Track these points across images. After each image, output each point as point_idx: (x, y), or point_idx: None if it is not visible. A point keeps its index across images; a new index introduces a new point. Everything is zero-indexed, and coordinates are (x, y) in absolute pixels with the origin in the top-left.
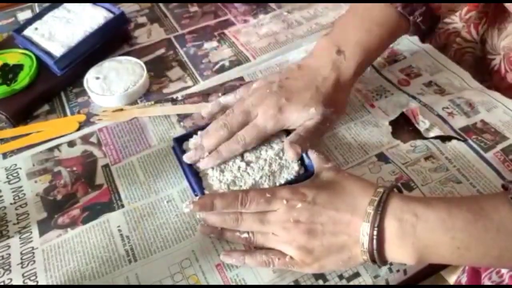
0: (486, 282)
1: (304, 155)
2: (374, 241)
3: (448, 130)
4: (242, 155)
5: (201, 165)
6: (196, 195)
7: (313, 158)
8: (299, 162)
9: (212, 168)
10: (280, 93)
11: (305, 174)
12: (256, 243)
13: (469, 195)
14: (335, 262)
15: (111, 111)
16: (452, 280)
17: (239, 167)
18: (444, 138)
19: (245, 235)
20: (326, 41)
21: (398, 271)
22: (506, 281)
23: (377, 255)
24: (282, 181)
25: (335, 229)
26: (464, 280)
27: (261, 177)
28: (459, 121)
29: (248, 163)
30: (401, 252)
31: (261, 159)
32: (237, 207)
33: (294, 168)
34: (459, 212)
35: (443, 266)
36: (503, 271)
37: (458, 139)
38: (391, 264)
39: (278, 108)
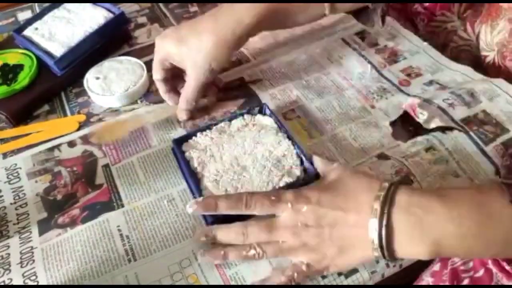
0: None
1: (304, 158)
2: (383, 237)
3: (449, 122)
4: (236, 158)
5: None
6: (194, 197)
7: (316, 161)
8: (301, 166)
9: (209, 170)
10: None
11: (305, 178)
12: (268, 256)
13: (466, 186)
14: (349, 260)
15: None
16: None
17: (235, 172)
18: (445, 128)
19: (253, 251)
20: None
21: (394, 265)
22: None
23: (387, 251)
24: (282, 184)
25: (342, 230)
26: (437, 267)
27: (260, 181)
28: (460, 112)
29: (244, 168)
30: (411, 246)
31: (258, 163)
32: (241, 208)
33: (294, 173)
34: (462, 201)
35: None
36: None
37: (459, 130)
38: (402, 259)
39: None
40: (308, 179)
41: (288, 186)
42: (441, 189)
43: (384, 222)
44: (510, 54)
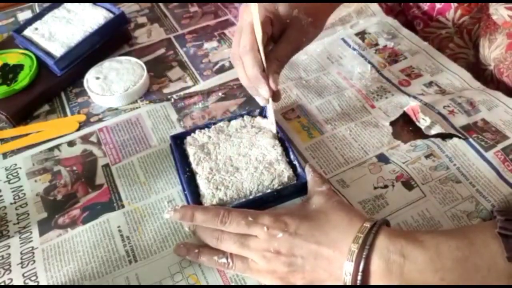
0: None
1: (297, 163)
2: (358, 282)
3: (449, 128)
4: (231, 158)
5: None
6: (185, 194)
7: (308, 179)
8: (292, 171)
9: (203, 168)
10: None
11: (296, 184)
12: (235, 270)
13: (458, 227)
14: None
15: None
16: None
17: (227, 171)
18: (445, 136)
19: (223, 260)
20: None
21: None
22: None
23: None
24: (271, 188)
25: (315, 264)
26: None
27: (250, 183)
28: (460, 120)
29: (237, 169)
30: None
31: (251, 166)
32: (216, 224)
33: (285, 178)
34: (448, 251)
35: None
36: None
37: (459, 137)
38: None
39: None
40: (299, 185)
41: (278, 191)
42: (425, 233)
43: (361, 268)
44: (506, 71)
